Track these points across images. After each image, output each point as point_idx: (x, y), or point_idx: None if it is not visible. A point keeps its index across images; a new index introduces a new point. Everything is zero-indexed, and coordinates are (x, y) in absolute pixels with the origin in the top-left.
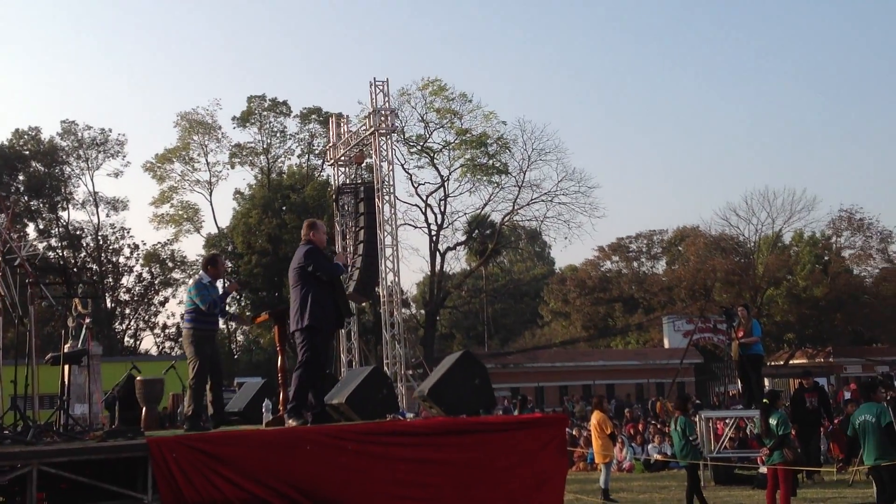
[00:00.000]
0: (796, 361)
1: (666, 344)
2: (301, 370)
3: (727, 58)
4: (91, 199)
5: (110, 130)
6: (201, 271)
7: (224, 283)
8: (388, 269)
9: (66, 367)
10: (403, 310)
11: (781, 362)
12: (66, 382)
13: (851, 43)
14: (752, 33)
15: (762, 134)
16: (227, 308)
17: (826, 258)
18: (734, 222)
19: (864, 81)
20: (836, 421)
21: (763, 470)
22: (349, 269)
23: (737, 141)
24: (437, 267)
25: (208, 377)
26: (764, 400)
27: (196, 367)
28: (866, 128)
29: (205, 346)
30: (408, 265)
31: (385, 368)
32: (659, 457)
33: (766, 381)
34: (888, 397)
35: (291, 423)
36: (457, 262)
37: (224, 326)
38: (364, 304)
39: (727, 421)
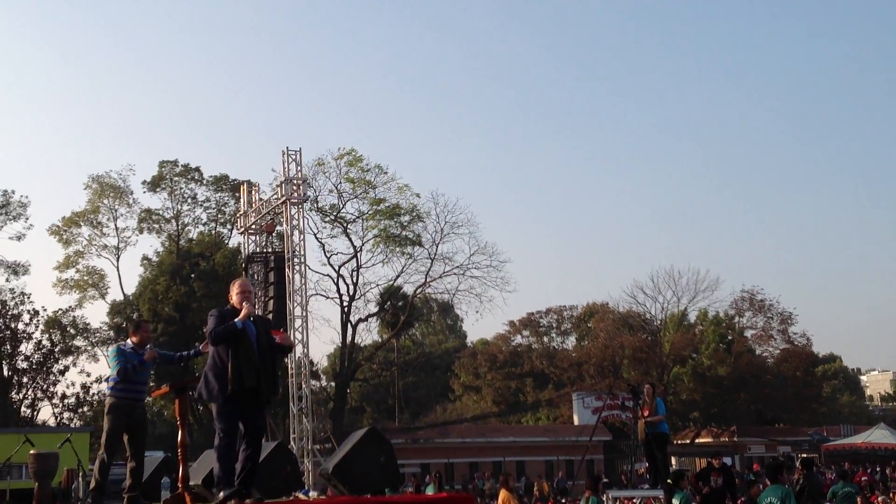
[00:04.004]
0: (702, 440)
1: (576, 420)
2: (215, 443)
3: (632, 139)
4: None
5: (13, 192)
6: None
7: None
8: (297, 341)
9: None
10: (313, 382)
11: (688, 441)
12: None
13: (752, 129)
14: (657, 114)
15: (667, 214)
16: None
17: (729, 337)
18: (641, 300)
19: (761, 167)
20: (739, 501)
21: None
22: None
23: (643, 220)
24: (349, 338)
25: (122, 449)
26: (668, 480)
27: (105, 437)
28: (766, 212)
29: (119, 415)
30: (318, 336)
31: (291, 443)
32: None
33: (673, 460)
34: (797, 477)
35: (221, 495)
36: (368, 334)
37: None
38: None
39: (635, 500)
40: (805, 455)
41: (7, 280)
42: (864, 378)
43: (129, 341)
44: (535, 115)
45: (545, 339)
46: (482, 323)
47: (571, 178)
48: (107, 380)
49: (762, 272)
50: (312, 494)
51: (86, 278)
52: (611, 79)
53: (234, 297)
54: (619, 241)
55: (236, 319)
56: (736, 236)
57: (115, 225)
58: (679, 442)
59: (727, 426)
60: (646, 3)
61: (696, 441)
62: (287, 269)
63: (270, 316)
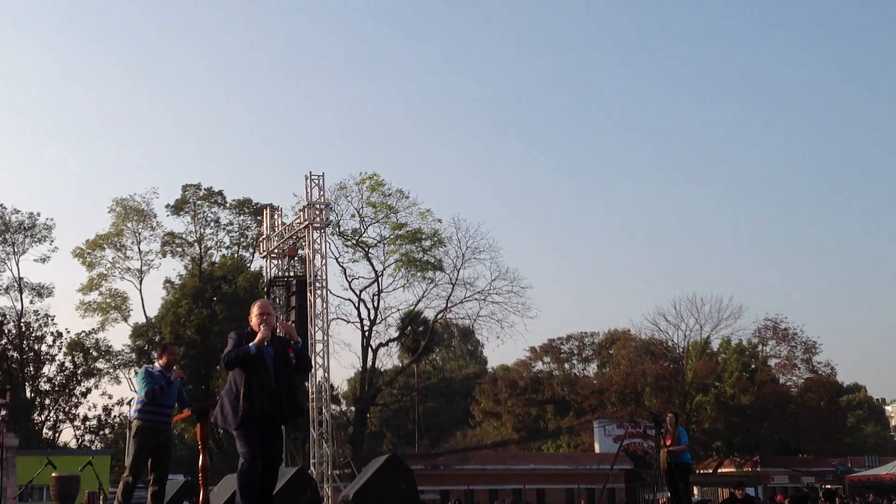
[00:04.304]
0: (725, 470)
1: (597, 448)
2: (238, 468)
3: (656, 167)
4: (15, 284)
5: (38, 215)
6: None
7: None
8: (317, 365)
9: None
10: (333, 406)
11: (710, 470)
12: None
13: (775, 154)
14: (678, 139)
15: (690, 240)
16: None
17: (752, 366)
18: (663, 327)
19: (788, 196)
20: None
21: None
22: (265, 344)
23: (666, 246)
24: (369, 363)
25: (145, 472)
26: None
27: (130, 459)
28: (790, 240)
29: (145, 438)
30: (339, 360)
31: (311, 468)
32: None
33: (696, 490)
34: None
35: None
36: (389, 359)
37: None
38: None
39: None
40: (829, 486)
41: (31, 302)
42: (888, 408)
43: (156, 364)
44: (558, 139)
45: (566, 365)
46: (503, 349)
47: (593, 204)
48: (129, 402)
49: (786, 301)
50: None
51: (109, 301)
52: (632, 107)
53: (253, 318)
54: (640, 267)
55: (251, 344)
56: (760, 264)
57: (139, 248)
58: (701, 471)
59: (750, 456)
60: (666, 30)
61: (719, 471)
62: (309, 294)
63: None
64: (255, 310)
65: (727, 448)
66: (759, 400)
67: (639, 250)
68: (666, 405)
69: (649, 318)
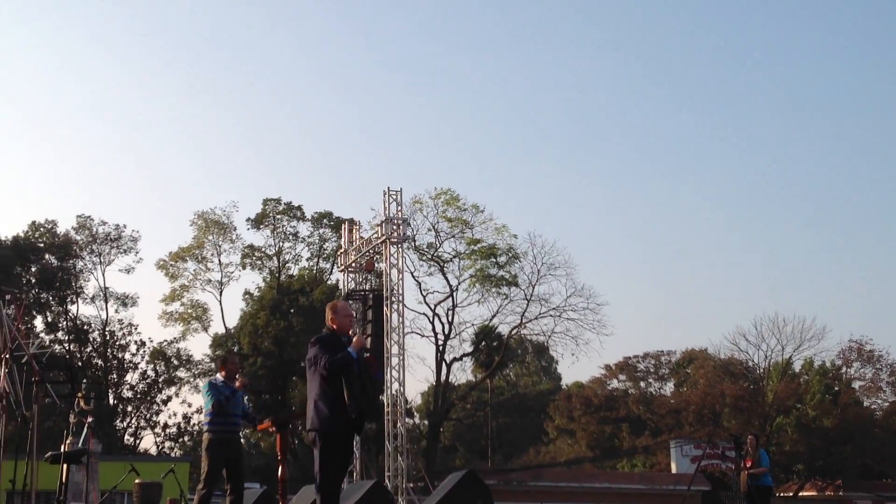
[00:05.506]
0: (806, 494)
1: (673, 469)
2: (316, 480)
3: (737, 182)
4: (101, 294)
5: (125, 226)
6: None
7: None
8: (393, 378)
9: (65, 465)
10: (407, 419)
11: (791, 494)
12: (64, 481)
13: (860, 174)
14: (762, 157)
15: (771, 259)
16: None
17: (836, 388)
18: (743, 347)
19: (872, 215)
20: None
21: None
22: (365, 353)
23: (746, 265)
24: (443, 377)
25: (220, 483)
26: None
27: (205, 471)
28: (875, 260)
29: (218, 450)
30: (413, 374)
31: (386, 481)
32: None
33: None
34: None
35: None
36: (463, 374)
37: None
38: None
39: None
40: None
41: (116, 311)
42: None
43: (218, 375)
44: (635, 156)
45: (642, 384)
46: (577, 366)
47: (671, 222)
48: (205, 413)
49: (871, 323)
50: None
51: (190, 311)
52: (712, 122)
53: (338, 320)
54: (719, 286)
55: (350, 349)
56: (845, 284)
57: (219, 260)
58: (782, 495)
59: (832, 480)
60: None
61: (800, 494)
62: (385, 308)
63: (366, 355)
64: (339, 310)
65: (808, 471)
66: (841, 423)
67: (717, 269)
68: (745, 426)
69: (728, 337)
